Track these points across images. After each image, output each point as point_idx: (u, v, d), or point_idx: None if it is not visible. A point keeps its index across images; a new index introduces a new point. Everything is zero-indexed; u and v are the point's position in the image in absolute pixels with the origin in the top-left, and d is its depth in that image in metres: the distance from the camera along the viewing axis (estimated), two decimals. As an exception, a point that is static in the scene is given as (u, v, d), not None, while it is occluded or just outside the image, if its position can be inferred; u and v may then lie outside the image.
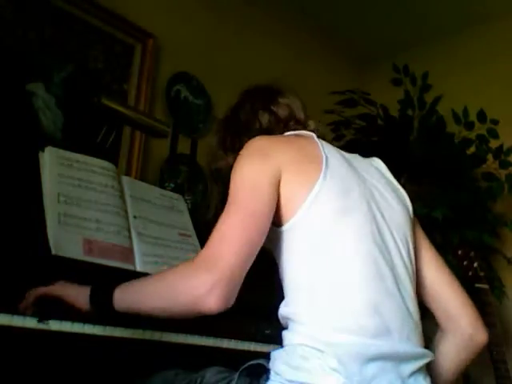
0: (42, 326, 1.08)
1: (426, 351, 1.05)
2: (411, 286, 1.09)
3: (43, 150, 1.45)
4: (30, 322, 1.07)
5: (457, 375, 1.20)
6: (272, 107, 1.27)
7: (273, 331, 1.43)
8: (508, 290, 2.43)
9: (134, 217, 1.54)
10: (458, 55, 3.00)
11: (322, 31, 3.13)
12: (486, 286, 2.03)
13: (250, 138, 1.20)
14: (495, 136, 2.47)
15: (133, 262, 1.45)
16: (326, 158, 1.10)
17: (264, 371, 1.01)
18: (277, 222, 1.07)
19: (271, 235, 1.07)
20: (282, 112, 1.27)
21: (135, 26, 2.31)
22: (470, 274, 2.04)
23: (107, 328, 1.16)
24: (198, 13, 2.58)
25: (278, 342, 1.04)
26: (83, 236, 1.37)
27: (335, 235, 1.04)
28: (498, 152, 2.48)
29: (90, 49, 2.17)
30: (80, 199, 1.43)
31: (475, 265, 2.05)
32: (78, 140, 1.86)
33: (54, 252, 1.28)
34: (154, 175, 2.25)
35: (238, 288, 0.97)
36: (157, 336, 1.25)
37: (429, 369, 1.08)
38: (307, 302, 1.01)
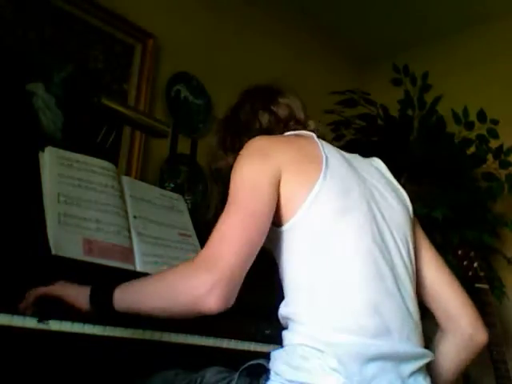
0: (42, 326, 1.08)
1: (425, 351, 1.05)
2: (411, 286, 1.09)
3: (43, 150, 1.45)
4: (30, 322, 1.07)
5: (457, 375, 1.20)
6: (272, 107, 1.27)
7: (273, 331, 1.43)
8: (508, 289, 2.43)
9: (134, 217, 1.54)
10: (457, 55, 3.00)
11: (321, 31, 3.13)
12: (486, 286, 2.03)
13: (250, 138, 1.20)
14: (495, 136, 2.47)
15: (133, 262, 1.45)
16: (326, 157, 1.10)
17: (264, 371, 1.01)
18: (277, 222, 1.07)
19: (271, 235, 1.07)
20: (282, 112, 1.27)
21: (135, 26, 2.31)
22: (470, 274, 2.04)
23: (107, 328, 1.16)
24: (198, 13, 2.58)
25: (278, 342, 1.04)
26: (83, 236, 1.37)
27: (335, 235, 1.04)
28: (498, 152, 2.48)
29: (90, 49, 2.17)
30: (80, 199, 1.43)
31: (475, 265, 2.05)
32: (77, 140, 1.86)
33: (54, 252, 1.28)
34: (153, 175, 2.25)
35: (238, 288, 0.97)
36: (157, 336, 1.25)
37: (429, 369, 1.08)
38: (307, 302, 1.01)
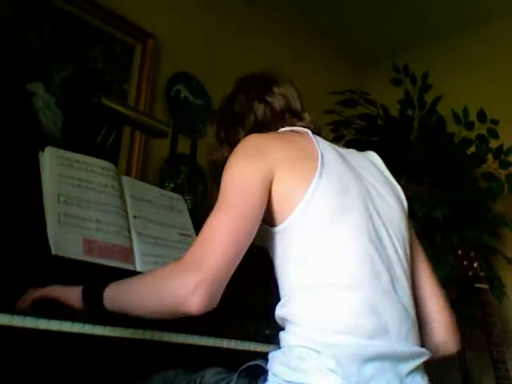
0: (42, 326, 1.08)
1: (423, 350, 1.05)
2: (407, 284, 1.08)
3: (43, 150, 1.45)
4: (30, 322, 1.07)
5: None
6: (267, 98, 1.26)
7: (272, 331, 1.42)
8: (508, 289, 2.43)
9: (134, 217, 1.54)
10: (457, 55, 3.00)
11: (322, 31, 3.13)
12: (486, 286, 2.03)
13: (245, 130, 1.20)
14: (495, 136, 2.47)
15: (133, 262, 1.45)
16: (322, 155, 1.09)
17: (262, 372, 1.01)
18: (272, 222, 1.06)
19: (266, 235, 1.07)
20: (278, 103, 1.25)
21: (135, 26, 2.31)
22: (470, 274, 2.05)
23: (107, 328, 1.16)
24: (198, 13, 2.59)
25: (278, 342, 1.04)
26: (83, 236, 1.37)
27: (332, 235, 1.03)
28: (498, 152, 2.48)
29: (90, 49, 2.17)
30: (80, 199, 1.43)
31: (475, 265, 2.05)
32: (77, 140, 1.86)
33: (54, 252, 1.28)
34: (153, 175, 2.25)
35: (223, 288, 0.96)
36: (157, 336, 1.25)
37: (426, 367, 1.07)
38: (303, 302, 1.01)
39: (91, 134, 2.02)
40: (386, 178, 1.22)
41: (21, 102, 1.82)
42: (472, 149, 2.53)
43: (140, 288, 1.03)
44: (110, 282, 1.07)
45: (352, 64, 3.36)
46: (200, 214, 1.85)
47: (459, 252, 2.09)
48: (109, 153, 1.99)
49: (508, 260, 2.45)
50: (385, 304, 1.01)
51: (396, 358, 0.99)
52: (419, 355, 1.03)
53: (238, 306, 1.45)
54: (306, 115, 1.26)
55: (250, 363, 1.03)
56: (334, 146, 1.18)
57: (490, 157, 2.51)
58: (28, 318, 1.07)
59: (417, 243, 1.22)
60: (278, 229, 1.06)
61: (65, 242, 1.32)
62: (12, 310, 1.07)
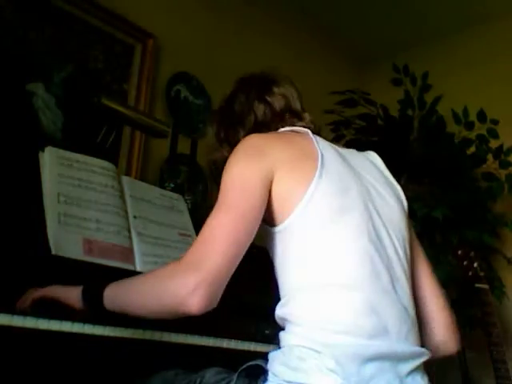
0: (42, 326, 1.08)
1: (423, 350, 1.05)
2: (407, 284, 1.08)
3: (43, 150, 1.45)
4: (30, 322, 1.07)
5: None
6: (267, 98, 1.26)
7: (272, 331, 1.42)
8: (508, 289, 2.43)
9: (134, 217, 1.54)
10: (457, 55, 3.00)
11: (322, 31, 3.13)
12: (486, 286, 2.03)
13: (245, 130, 1.20)
14: (495, 136, 2.47)
15: (133, 262, 1.45)
16: (322, 155, 1.09)
17: (262, 372, 1.01)
18: (272, 222, 1.06)
19: (266, 235, 1.07)
20: (278, 103, 1.25)
21: (135, 26, 2.31)
22: (470, 274, 2.05)
23: (107, 328, 1.16)
24: (198, 13, 2.59)
25: (278, 342, 1.04)
26: (83, 236, 1.37)
27: (332, 235, 1.03)
28: (498, 152, 2.48)
29: (90, 49, 2.17)
30: (80, 199, 1.43)
31: (475, 265, 2.05)
32: (78, 140, 1.86)
33: (54, 252, 1.28)
34: (153, 175, 2.25)
35: (223, 288, 0.96)
36: (157, 336, 1.25)
37: (426, 367, 1.07)
38: (303, 302, 1.01)
39: (91, 134, 2.02)
40: (386, 177, 1.22)
41: (21, 101, 1.82)
42: (472, 149, 2.53)
43: (140, 288, 1.03)
44: (109, 282, 1.07)
45: (352, 64, 3.36)
46: (200, 213, 1.85)
47: (459, 252, 2.09)
48: (109, 153, 1.99)
49: (508, 260, 2.45)
50: (385, 304, 1.01)
51: (396, 358, 0.98)
52: (419, 355, 1.03)
53: (238, 305, 1.45)
54: (306, 115, 1.26)
55: (250, 363, 1.03)
56: (334, 146, 1.18)
57: (490, 157, 2.51)
58: (28, 318, 1.07)
59: (417, 243, 1.22)
60: (277, 229, 1.06)
61: (65, 242, 1.32)
62: (12, 310, 1.07)
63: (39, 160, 1.43)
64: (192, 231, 1.67)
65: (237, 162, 1.07)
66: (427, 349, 1.06)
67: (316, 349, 0.95)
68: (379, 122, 2.69)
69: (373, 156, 1.27)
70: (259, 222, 1.02)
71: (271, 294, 1.09)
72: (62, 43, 2.07)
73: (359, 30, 3.12)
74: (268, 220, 1.07)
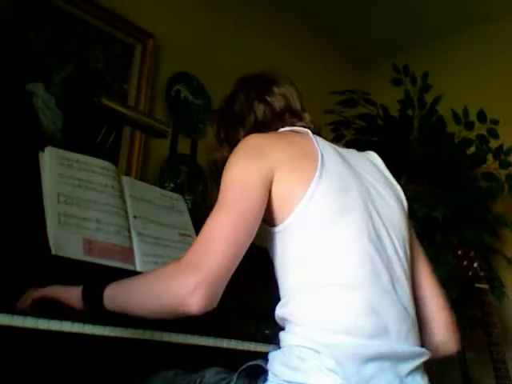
0: (42, 326, 1.08)
1: (423, 350, 1.05)
2: (407, 283, 1.08)
3: (43, 150, 1.45)
4: (30, 322, 1.07)
5: None
6: (267, 98, 1.25)
7: (272, 331, 1.42)
8: (508, 290, 2.43)
9: (134, 217, 1.54)
10: (457, 55, 3.00)
11: (322, 31, 3.13)
12: (486, 286, 2.03)
13: (245, 130, 1.20)
14: (495, 136, 2.47)
15: (133, 262, 1.45)
16: (322, 155, 1.09)
17: (262, 372, 1.01)
18: (272, 222, 1.06)
19: (266, 235, 1.07)
20: (278, 103, 1.25)
21: (135, 26, 2.31)
22: (470, 274, 2.05)
23: (107, 328, 1.16)
24: (198, 13, 2.59)
25: (278, 342, 1.04)
26: (83, 236, 1.37)
27: (332, 235, 1.03)
28: (498, 152, 2.48)
29: (90, 49, 2.17)
30: (80, 199, 1.43)
31: (475, 265, 2.05)
32: (78, 140, 1.86)
33: (54, 252, 1.28)
34: (153, 175, 2.25)
35: (223, 288, 0.96)
36: (157, 336, 1.25)
37: (426, 367, 1.07)
38: (303, 302, 1.01)
39: (91, 134, 2.02)
40: (385, 177, 1.22)
41: (21, 101, 1.82)
42: (472, 149, 2.53)
43: (140, 288, 1.03)
44: (110, 282, 1.07)
45: (352, 64, 3.36)
46: (200, 213, 1.85)
47: (459, 252, 2.09)
48: (109, 153, 1.99)
49: (508, 260, 2.45)
50: (385, 304, 1.01)
51: (396, 358, 0.99)
52: (419, 355, 1.03)
53: (238, 305, 1.45)
54: (306, 115, 1.26)
55: (250, 363, 1.03)
56: (333, 145, 1.18)
57: (490, 157, 2.51)
58: (28, 318, 1.07)
59: (417, 243, 1.22)
60: (277, 229, 1.06)
61: (65, 242, 1.32)
62: (12, 310, 1.07)
63: (39, 160, 1.43)
64: (192, 231, 1.67)
65: (237, 162, 1.07)
66: (427, 349, 1.06)
67: (316, 349, 0.95)
68: (379, 121, 2.69)
69: (373, 156, 1.27)
70: (259, 221, 1.02)
71: (271, 293, 1.09)
72: (62, 43, 2.07)
73: (359, 29, 3.12)
74: (268, 220, 1.07)
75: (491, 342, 1.93)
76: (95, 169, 1.52)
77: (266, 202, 1.04)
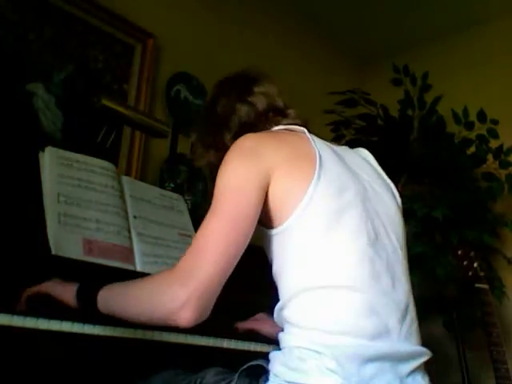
0: (42, 326, 1.08)
1: (423, 349, 1.05)
2: (406, 282, 1.08)
3: (43, 150, 1.45)
4: (30, 322, 1.07)
5: None
6: (248, 98, 1.24)
7: (273, 331, 1.43)
8: (508, 290, 2.43)
9: (134, 217, 1.54)
10: (457, 55, 3.00)
11: (321, 31, 3.13)
12: (485, 286, 2.03)
13: (231, 132, 1.19)
14: (495, 136, 2.47)
15: (133, 262, 1.45)
16: (320, 155, 1.08)
17: (263, 372, 1.01)
18: (270, 223, 1.05)
19: (263, 237, 1.06)
20: (260, 103, 1.24)
21: (135, 26, 2.31)
22: (470, 274, 2.04)
23: (107, 328, 1.16)
24: (198, 13, 2.58)
25: (278, 343, 1.04)
26: (83, 236, 1.37)
27: (331, 236, 1.02)
28: (498, 152, 2.48)
29: (90, 49, 2.17)
30: (80, 199, 1.43)
31: (475, 265, 2.05)
32: (78, 140, 1.87)
33: (54, 252, 1.28)
34: (153, 175, 2.25)
35: (215, 298, 0.95)
36: (157, 336, 1.25)
37: (427, 367, 1.07)
38: (303, 303, 1.00)
39: (91, 134, 2.02)
40: (379, 174, 1.22)
41: (21, 102, 1.82)
42: (472, 149, 2.53)
43: (132, 296, 1.03)
44: (109, 282, 1.07)
45: (352, 64, 3.36)
46: (200, 214, 1.85)
47: (459, 252, 2.09)
48: (109, 153, 1.99)
49: (508, 260, 2.45)
50: (385, 304, 1.01)
51: (396, 359, 0.98)
52: (420, 355, 1.03)
53: (238, 306, 1.45)
54: (291, 111, 1.25)
55: (252, 363, 1.03)
56: (329, 144, 1.17)
57: (490, 157, 2.51)
58: (28, 318, 1.07)
59: None
60: (275, 231, 1.05)
61: (65, 242, 1.32)
62: (12, 310, 1.07)
63: (39, 160, 1.43)
64: (192, 231, 1.67)
65: (231, 165, 1.05)
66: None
67: (316, 349, 0.95)
68: (379, 122, 2.69)
69: (364, 153, 1.26)
70: (253, 228, 1.01)
71: (271, 293, 1.09)
72: (62, 43, 2.07)
73: (359, 30, 3.12)
74: (264, 222, 1.06)
75: (491, 342, 1.93)
76: (95, 169, 1.52)
77: (262, 204, 1.02)
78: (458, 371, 2.20)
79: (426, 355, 1.04)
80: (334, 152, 1.14)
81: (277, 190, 1.03)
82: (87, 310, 1.08)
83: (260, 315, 1.47)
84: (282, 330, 1.04)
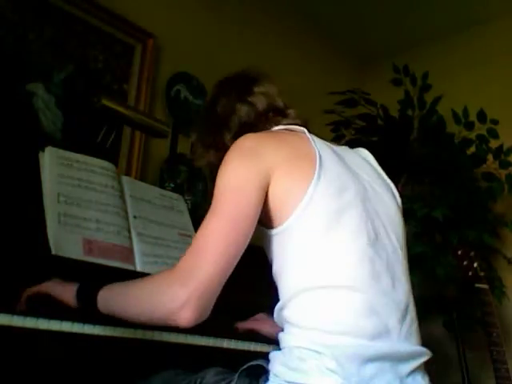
0: (42, 326, 1.08)
1: (423, 349, 1.05)
2: (406, 282, 1.08)
3: (43, 150, 1.45)
4: (30, 322, 1.07)
5: None
6: (249, 98, 1.24)
7: (273, 331, 1.43)
8: (508, 290, 2.43)
9: (134, 217, 1.54)
10: (457, 55, 3.00)
11: (322, 31, 3.13)
12: (485, 286, 2.03)
13: (231, 132, 1.19)
14: (495, 136, 2.47)
15: (133, 262, 1.45)
16: (320, 155, 1.08)
17: (263, 372, 1.01)
18: (270, 223, 1.05)
19: (263, 237, 1.06)
20: (260, 103, 1.24)
21: (135, 26, 2.31)
22: (470, 274, 2.04)
23: (107, 328, 1.16)
24: (198, 13, 2.58)
25: (278, 343, 1.04)
26: (83, 236, 1.37)
27: (331, 236, 1.02)
28: (498, 152, 2.48)
29: (90, 49, 2.17)
30: (80, 199, 1.43)
31: (475, 265, 2.05)
32: (78, 140, 1.87)
33: (54, 252, 1.28)
34: (153, 175, 2.25)
35: (215, 299, 0.95)
36: (157, 336, 1.25)
37: (427, 367, 1.07)
38: (303, 303, 1.00)
39: (91, 134, 2.02)
40: (379, 174, 1.22)
41: (21, 102, 1.82)
42: (472, 149, 2.53)
43: (132, 297, 1.03)
44: (109, 282, 1.07)
45: (352, 64, 3.36)
46: (200, 214, 1.85)
47: (459, 252, 2.09)
48: (109, 153, 1.99)
49: (508, 260, 2.45)
50: (385, 304, 1.01)
51: (396, 359, 0.98)
52: (420, 355, 1.03)
53: (238, 306, 1.45)
54: (291, 111, 1.25)
55: (252, 363, 1.03)
56: (329, 144, 1.17)
57: (490, 157, 2.51)
58: (28, 318, 1.07)
59: None
60: (275, 231, 1.05)
61: (65, 242, 1.32)
62: (12, 310, 1.07)
63: (39, 160, 1.43)
64: (192, 231, 1.67)
65: (231, 165, 1.05)
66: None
67: (316, 349, 0.95)
68: (379, 122, 2.69)
69: (364, 153, 1.26)
70: (253, 228, 1.01)
71: (271, 293, 1.09)
72: (62, 43, 2.07)
73: (359, 30, 3.12)
74: (264, 222, 1.06)
75: (491, 342, 1.93)
76: (95, 169, 1.52)
77: (262, 204, 1.02)
78: (458, 371, 2.20)
79: (426, 355, 1.04)
80: (334, 152, 1.14)
81: (277, 189, 1.03)
82: (87, 310, 1.09)
83: (260, 315, 1.47)
84: (282, 330, 1.04)
